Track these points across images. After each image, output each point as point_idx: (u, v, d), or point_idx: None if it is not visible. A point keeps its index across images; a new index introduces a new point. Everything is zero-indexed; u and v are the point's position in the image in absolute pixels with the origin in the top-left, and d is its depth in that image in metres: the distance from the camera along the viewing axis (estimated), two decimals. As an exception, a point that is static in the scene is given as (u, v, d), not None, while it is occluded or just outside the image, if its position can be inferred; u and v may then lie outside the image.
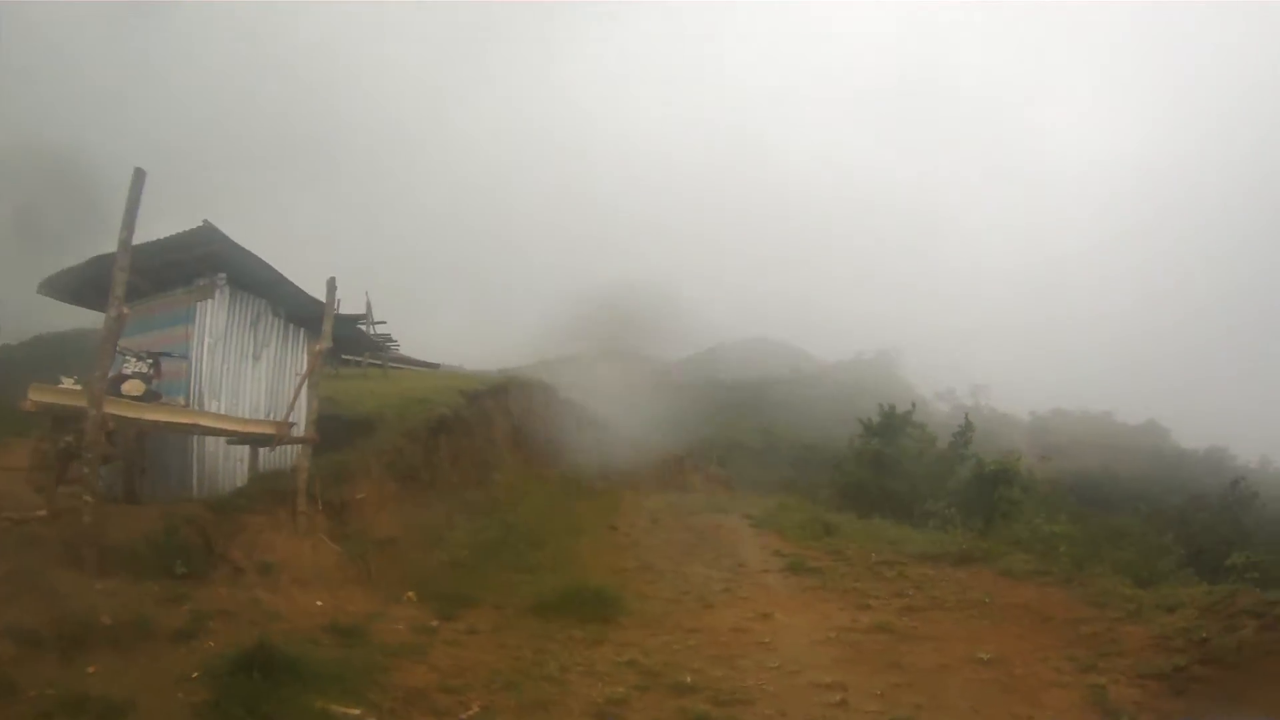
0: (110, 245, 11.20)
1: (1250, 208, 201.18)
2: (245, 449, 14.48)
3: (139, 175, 10.74)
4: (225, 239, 13.50)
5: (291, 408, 14.28)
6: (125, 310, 10.91)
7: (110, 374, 13.28)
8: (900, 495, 29.87)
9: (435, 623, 11.77)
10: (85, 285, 15.46)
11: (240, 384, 14.94)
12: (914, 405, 35.42)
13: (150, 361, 13.20)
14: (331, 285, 14.38)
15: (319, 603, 11.49)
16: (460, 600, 12.90)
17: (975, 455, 31.04)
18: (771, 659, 11.21)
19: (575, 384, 32.96)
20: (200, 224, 13.20)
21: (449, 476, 17.93)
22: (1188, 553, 26.63)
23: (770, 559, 18.10)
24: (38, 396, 11.59)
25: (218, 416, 13.79)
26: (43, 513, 11.02)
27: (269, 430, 13.96)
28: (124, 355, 12.99)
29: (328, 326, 14.28)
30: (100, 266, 14.30)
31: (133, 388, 12.77)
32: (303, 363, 15.91)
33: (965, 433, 33.35)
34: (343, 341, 17.79)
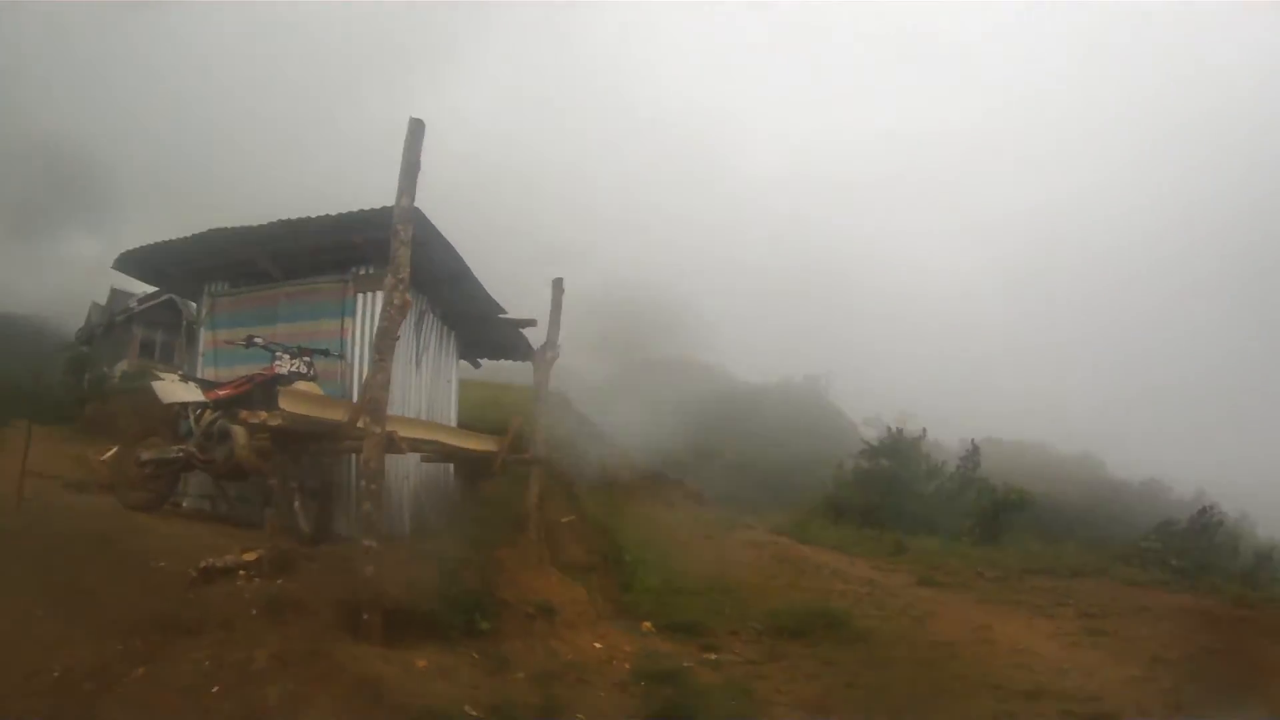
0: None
1: (1182, 239, 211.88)
2: (413, 470, 12.30)
3: (417, 126, 8.45)
4: (425, 220, 10.94)
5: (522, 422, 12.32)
6: (408, 299, 8.61)
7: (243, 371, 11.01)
8: (916, 517, 29.59)
9: (713, 656, 10.51)
10: (176, 264, 13.11)
11: (406, 393, 12.51)
12: (924, 431, 35.48)
13: (307, 360, 10.58)
14: (558, 286, 12.61)
15: (597, 645, 9.72)
16: (690, 628, 11.57)
17: (985, 478, 31.58)
18: (1059, 664, 10.57)
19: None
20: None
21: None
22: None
23: (885, 576, 17.57)
24: (291, 406, 9.17)
25: (453, 431, 11.78)
26: (251, 556, 8.16)
27: (492, 448, 11.88)
28: (272, 350, 10.42)
29: (553, 334, 12.52)
30: (201, 244, 12.19)
31: (311, 390, 10.25)
32: (453, 370, 14.19)
33: (973, 457, 33.54)
34: (491, 345, 15.97)
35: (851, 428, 41.26)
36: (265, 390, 10.05)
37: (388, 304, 8.35)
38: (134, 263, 13.34)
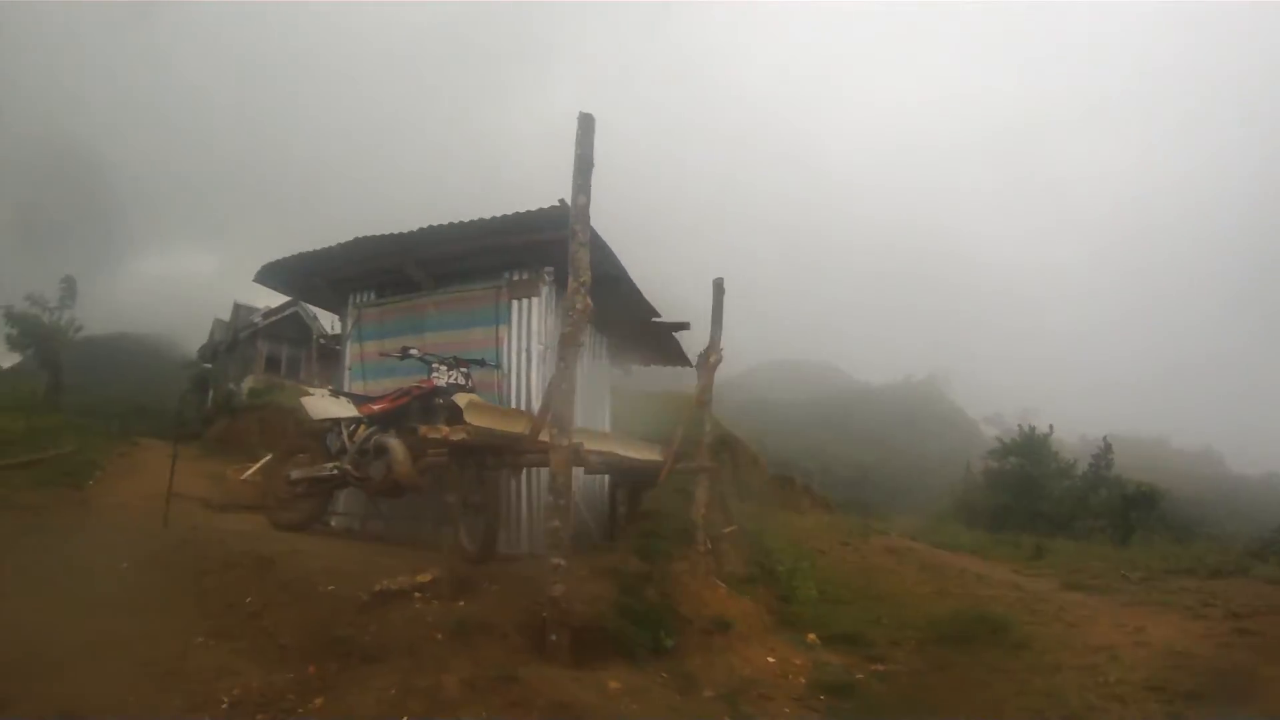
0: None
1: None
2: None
3: (587, 120, 8.03)
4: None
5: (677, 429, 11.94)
6: (589, 302, 8.15)
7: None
8: (1048, 515, 29.21)
9: (880, 667, 10.17)
10: (319, 274, 13.07)
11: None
12: (1051, 428, 34.56)
13: (464, 371, 10.27)
14: (719, 287, 12.21)
15: (770, 659, 9.41)
16: (852, 638, 11.34)
17: (1117, 476, 31.38)
18: (1215, 666, 10.19)
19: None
20: (555, 203, 10.29)
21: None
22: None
23: (1030, 581, 17.22)
24: (476, 419, 8.93)
25: (625, 441, 11.36)
26: (425, 577, 7.89)
27: (658, 457, 11.57)
28: (428, 361, 10.18)
29: (716, 336, 12.07)
30: (346, 254, 12.21)
31: (470, 403, 9.63)
32: (607, 378, 14.09)
33: (1106, 455, 32.84)
34: (643, 350, 15.76)
35: (972, 426, 40.38)
36: (424, 403, 9.87)
37: (569, 308, 8.02)
38: (275, 275, 13.40)
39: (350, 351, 12.96)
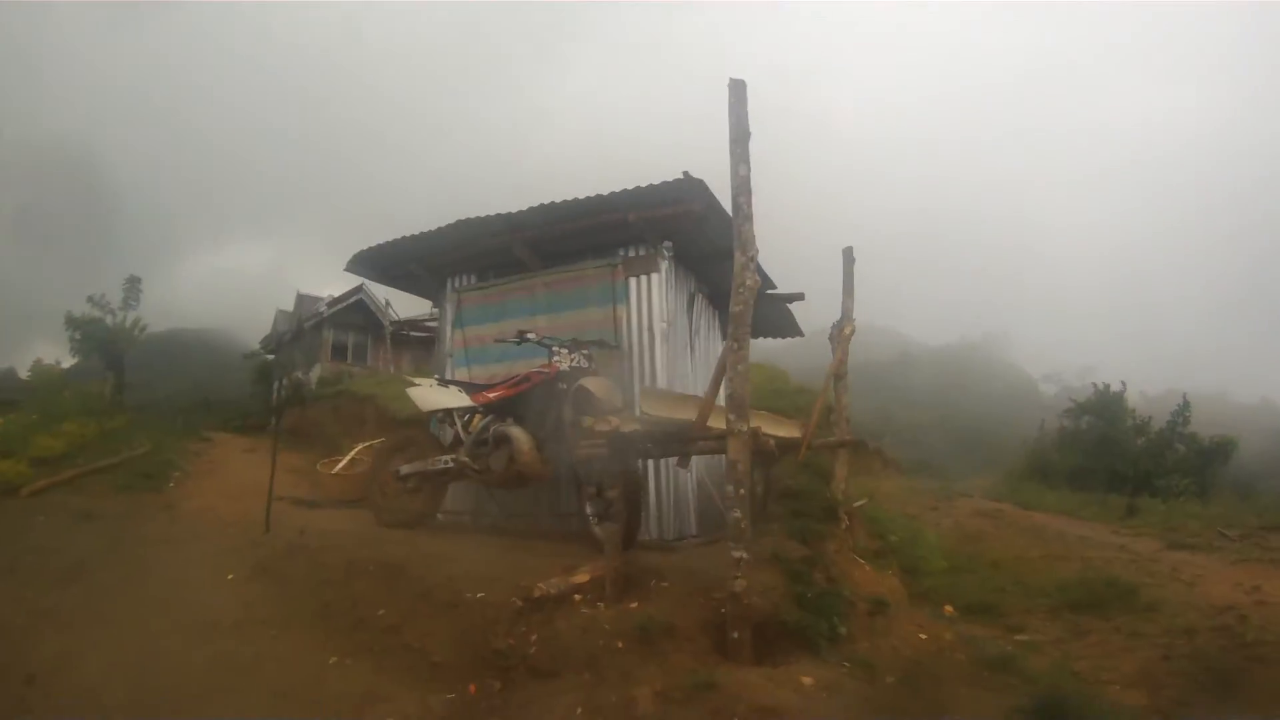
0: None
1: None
2: (695, 462, 11.04)
3: (738, 87, 7.46)
4: (710, 197, 10.34)
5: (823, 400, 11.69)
6: (758, 279, 7.65)
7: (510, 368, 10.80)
8: (1127, 475, 28.77)
9: (1024, 637, 10.03)
10: (416, 260, 12.79)
11: (685, 380, 11.72)
12: (1124, 385, 34.10)
13: (585, 353, 9.74)
14: (848, 256, 11.86)
15: (922, 635, 8.76)
16: (986, 609, 11.29)
17: (1194, 433, 30.86)
18: None
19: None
20: (680, 176, 10.13)
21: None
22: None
23: (1133, 541, 16.80)
24: (651, 408, 8.51)
25: (769, 418, 10.60)
26: (583, 578, 7.32)
27: (797, 434, 10.78)
28: (547, 344, 9.66)
29: (848, 306, 11.75)
30: (447, 238, 12.11)
31: (598, 387, 9.33)
32: (718, 352, 13.49)
33: (1183, 411, 31.93)
34: (755, 324, 15.38)
35: (1030, 384, 39.73)
36: (547, 389, 9.50)
37: (739, 284, 7.46)
38: (367, 263, 13.22)
39: (453, 338, 12.59)
